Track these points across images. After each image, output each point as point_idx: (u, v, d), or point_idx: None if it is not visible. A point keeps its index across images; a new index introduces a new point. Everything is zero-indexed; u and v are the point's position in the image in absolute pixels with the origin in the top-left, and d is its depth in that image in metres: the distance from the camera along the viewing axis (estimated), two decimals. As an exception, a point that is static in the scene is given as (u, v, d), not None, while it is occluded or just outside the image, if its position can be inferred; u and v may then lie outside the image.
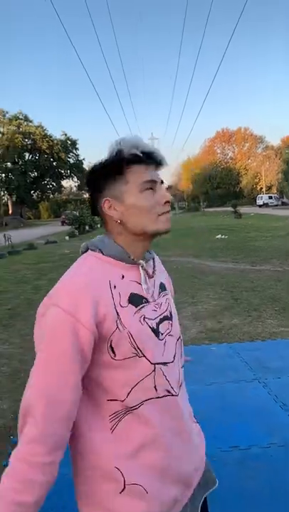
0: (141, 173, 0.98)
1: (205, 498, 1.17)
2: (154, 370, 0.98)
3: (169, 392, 1.01)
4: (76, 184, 67.42)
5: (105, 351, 0.93)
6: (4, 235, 19.44)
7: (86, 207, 43.78)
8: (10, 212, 54.81)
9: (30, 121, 56.15)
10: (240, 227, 22.34)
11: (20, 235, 24.58)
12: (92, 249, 1.04)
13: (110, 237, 1.04)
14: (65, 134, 59.44)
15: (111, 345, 0.93)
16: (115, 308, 0.94)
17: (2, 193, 55.16)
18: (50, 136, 56.08)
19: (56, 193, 64.43)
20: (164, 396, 1.00)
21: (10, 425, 3.14)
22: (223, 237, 17.35)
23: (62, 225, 35.09)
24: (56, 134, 68.37)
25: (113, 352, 0.93)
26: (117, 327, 0.93)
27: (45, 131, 55.94)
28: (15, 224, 43.54)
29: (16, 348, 4.97)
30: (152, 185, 1.00)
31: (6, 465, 0.88)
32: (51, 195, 63.67)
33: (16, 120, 54.61)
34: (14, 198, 56.38)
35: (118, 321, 0.93)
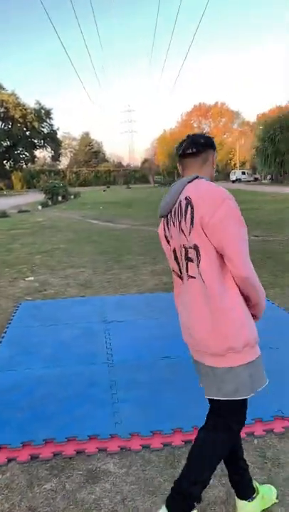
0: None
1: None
2: None
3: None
4: (50, 154, 66.46)
5: None
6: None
7: (60, 177, 43.77)
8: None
9: (3, 89, 54.55)
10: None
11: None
12: (204, 179, 1.64)
13: (207, 178, 1.67)
14: (39, 103, 58.19)
15: None
16: None
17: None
18: (24, 105, 54.76)
19: (29, 163, 63.35)
20: None
21: None
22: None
23: None
24: (30, 103, 66.60)
25: None
26: None
27: (19, 100, 54.55)
28: (-13, 194, 42.99)
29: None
30: None
31: None
32: (24, 166, 62.59)
33: (-12, 87, 52.95)
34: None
35: None
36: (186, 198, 1.57)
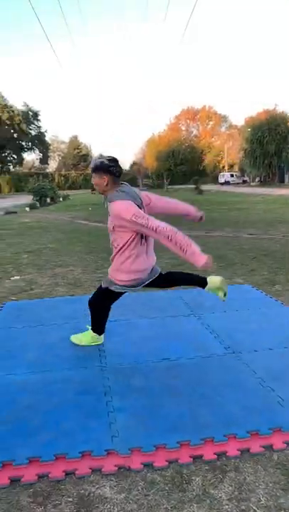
0: None
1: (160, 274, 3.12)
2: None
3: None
4: (38, 157, 65.79)
5: None
6: None
7: (48, 180, 43.17)
8: None
9: (-11, 91, 53.78)
10: (200, 202, 22.89)
11: (-21, 207, 24.00)
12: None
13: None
14: (27, 105, 57.51)
15: None
16: None
17: None
18: (11, 107, 54.07)
19: (17, 166, 62.55)
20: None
21: None
22: (182, 209, 17.78)
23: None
24: (17, 104, 65.88)
25: None
26: None
27: (5, 102, 53.84)
28: (-27, 197, 42.17)
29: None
30: None
31: None
32: (12, 168, 61.75)
33: (-26, 88, 52.17)
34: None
35: None
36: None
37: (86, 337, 3.39)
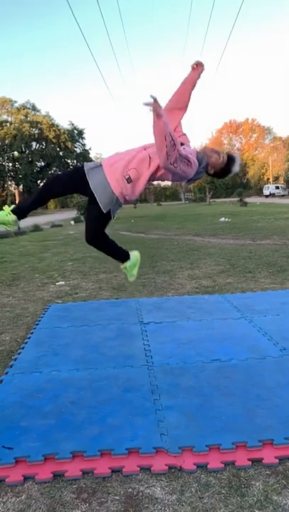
0: None
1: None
2: None
3: None
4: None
5: None
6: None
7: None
8: (17, 201, 55.03)
9: (38, 111, 56.25)
10: (245, 213, 22.43)
11: (26, 221, 24.80)
12: None
13: None
14: (72, 124, 59.49)
15: None
16: None
17: (9, 182, 55.37)
18: (57, 126, 56.14)
19: (63, 183, 64.39)
20: None
21: (11, 350, 3.40)
22: (226, 220, 17.47)
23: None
24: (63, 123, 68.33)
25: None
26: None
27: (53, 121, 56.01)
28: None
29: (19, 300, 5.22)
30: None
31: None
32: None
33: (24, 109, 54.69)
34: (21, 188, 56.63)
35: None
36: None
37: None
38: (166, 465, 1.77)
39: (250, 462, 1.78)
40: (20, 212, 2.49)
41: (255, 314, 3.94)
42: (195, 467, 1.76)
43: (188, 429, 2.01)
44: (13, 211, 2.45)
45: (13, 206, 2.50)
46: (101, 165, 2.38)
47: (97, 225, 2.58)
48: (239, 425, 2.03)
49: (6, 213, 2.43)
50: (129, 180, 2.29)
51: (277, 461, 1.79)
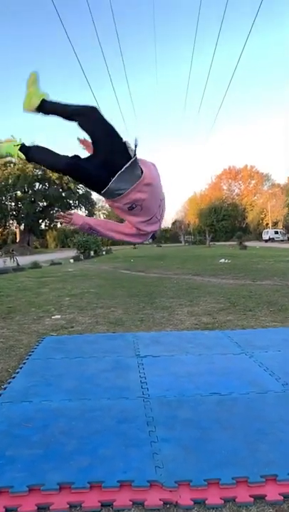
0: None
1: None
2: None
3: None
4: (85, 214, 68.52)
5: None
6: (12, 255, 19.75)
7: (93, 237, 44.55)
8: (17, 240, 55.45)
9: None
10: (245, 255, 22.52)
11: (26, 259, 24.87)
12: None
13: None
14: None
15: None
16: None
17: (11, 221, 56.01)
18: (61, 168, 57.49)
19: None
20: None
21: (1, 379, 3.26)
22: (226, 261, 17.49)
23: None
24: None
25: None
26: None
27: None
28: (22, 252, 43.87)
29: (13, 332, 5.09)
30: None
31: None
32: (59, 225, 64.46)
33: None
34: (22, 227, 57.23)
35: None
36: None
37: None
38: (160, 500, 1.63)
39: (253, 499, 1.64)
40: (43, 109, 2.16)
41: (255, 350, 3.82)
42: (192, 503, 1.62)
43: (186, 463, 1.87)
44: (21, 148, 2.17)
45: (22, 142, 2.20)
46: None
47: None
48: (240, 459, 1.89)
49: (13, 145, 2.16)
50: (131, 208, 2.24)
51: (282, 498, 1.64)
